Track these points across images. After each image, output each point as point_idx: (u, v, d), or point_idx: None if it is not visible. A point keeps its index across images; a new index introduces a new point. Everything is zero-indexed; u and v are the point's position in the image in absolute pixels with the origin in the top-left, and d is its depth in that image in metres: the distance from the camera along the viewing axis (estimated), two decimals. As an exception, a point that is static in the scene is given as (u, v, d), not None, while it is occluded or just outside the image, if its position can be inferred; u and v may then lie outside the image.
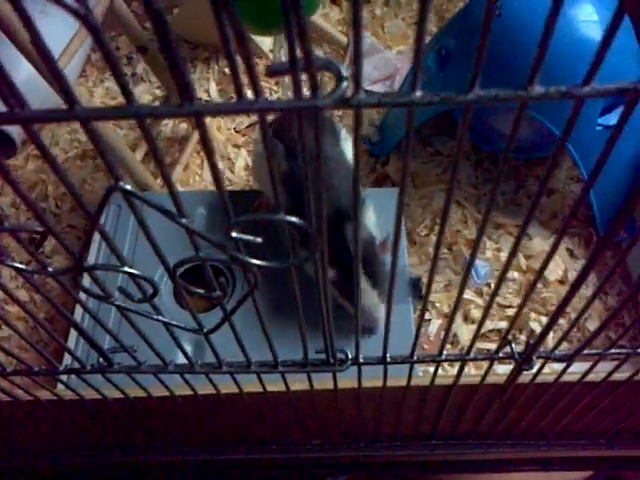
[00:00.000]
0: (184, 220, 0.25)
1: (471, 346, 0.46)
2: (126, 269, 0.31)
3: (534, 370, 0.49)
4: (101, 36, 0.17)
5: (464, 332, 0.96)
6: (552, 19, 0.18)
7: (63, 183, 0.24)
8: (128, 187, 0.23)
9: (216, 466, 0.82)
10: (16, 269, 0.31)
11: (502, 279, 0.39)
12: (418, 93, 0.20)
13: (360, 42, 0.18)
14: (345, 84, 0.19)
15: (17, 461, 0.74)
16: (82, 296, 0.92)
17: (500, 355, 0.47)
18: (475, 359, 0.47)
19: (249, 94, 0.19)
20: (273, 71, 0.19)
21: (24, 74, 0.92)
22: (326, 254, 0.30)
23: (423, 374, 0.87)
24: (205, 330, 0.39)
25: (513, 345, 0.46)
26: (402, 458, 0.77)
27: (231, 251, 0.28)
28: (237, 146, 1.25)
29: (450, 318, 0.43)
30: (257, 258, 0.29)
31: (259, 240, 0.27)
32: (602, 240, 0.32)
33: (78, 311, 0.88)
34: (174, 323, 0.38)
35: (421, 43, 0.18)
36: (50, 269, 0.31)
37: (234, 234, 0.26)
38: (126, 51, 1.45)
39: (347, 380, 0.54)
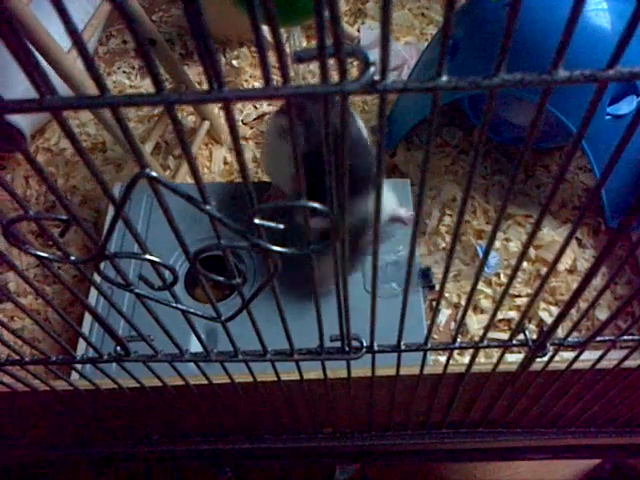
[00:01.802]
0: (208, 207, 0.26)
1: (484, 334, 0.47)
2: (147, 257, 0.31)
3: (545, 358, 0.50)
4: (136, 25, 0.17)
5: (473, 322, 0.97)
6: (577, 6, 0.18)
7: (90, 171, 0.24)
8: (154, 174, 0.23)
9: (227, 455, 0.82)
10: (39, 257, 0.32)
11: (515, 273, 0.39)
12: (444, 78, 0.20)
13: (388, 29, 0.18)
14: (372, 70, 0.19)
15: (25, 452, 0.75)
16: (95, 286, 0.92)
17: (514, 342, 0.47)
18: (489, 346, 0.47)
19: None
20: (300, 57, 0.20)
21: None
22: (347, 239, 0.30)
23: (433, 363, 0.87)
24: (223, 318, 0.39)
25: (527, 332, 0.46)
26: (413, 447, 0.77)
27: (253, 238, 0.28)
28: (245, 138, 1.25)
29: (465, 308, 0.43)
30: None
31: (281, 226, 0.27)
32: (614, 234, 0.32)
33: (90, 301, 0.89)
34: (192, 311, 0.39)
35: (448, 30, 0.18)
36: (72, 257, 0.32)
37: (257, 221, 0.27)
38: (134, 44, 1.45)
39: (360, 369, 0.54)
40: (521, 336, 0.47)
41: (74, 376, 0.80)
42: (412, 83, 0.20)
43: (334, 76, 0.20)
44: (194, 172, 0.24)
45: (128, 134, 0.21)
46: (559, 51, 0.20)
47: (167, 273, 0.34)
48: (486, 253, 0.38)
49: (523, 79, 0.20)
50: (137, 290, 0.36)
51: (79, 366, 0.51)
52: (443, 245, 1.05)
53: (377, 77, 0.20)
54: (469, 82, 0.20)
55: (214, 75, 0.19)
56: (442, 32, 0.18)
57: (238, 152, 0.22)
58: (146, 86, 1.37)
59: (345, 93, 0.19)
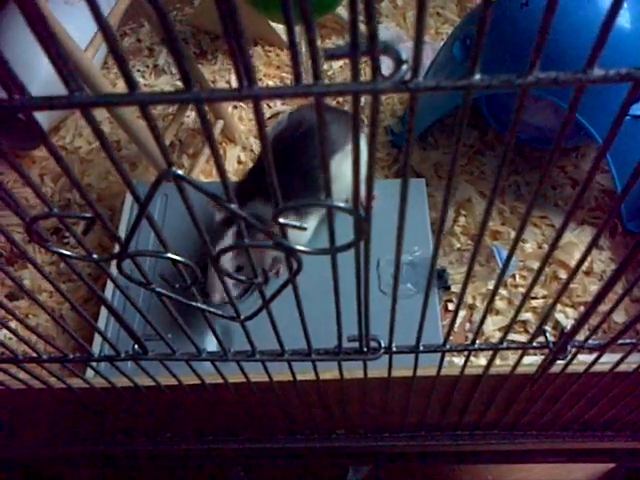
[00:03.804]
0: (232, 205, 0.26)
1: (504, 336, 0.46)
2: (169, 255, 0.31)
3: (564, 361, 0.49)
4: (168, 19, 0.17)
5: (489, 323, 0.96)
6: (615, 8, 0.18)
7: (115, 166, 0.24)
8: (180, 172, 0.23)
9: (240, 454, 0.82)
10: (62, 255, 0.32)
11: (535, 281, 0.39)
12: (477, 76, 0.20)
13: (423, 28, 0.18)
14: (405, 68, 0.19)
15: (38, 449, 0.75)
16: (110, 284, 0.92)
17: (534, 344, 0.46)
18: (508, 348, 0.47)
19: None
20: (332, 55, 0.19)
21: (48, 66, 0.93)
22: (370, 244, 0.30)
23: (448, 364, 0.87)
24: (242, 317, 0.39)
25: (547, 335, 0.46)
26: (426, 448, 0.77)
27: (276, 236, 0.28)
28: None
29: (484, 312, 0.43)
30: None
31: (305, 226, 0.27)
32: (636, 244, 0.32)
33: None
34: (212, 310, 0.39)
35: (484, 29, 0.18)
36: (95, 256, 0.32)
37: (281, 220, 0.26)
38: (148, 42, 1.46)
39: (376, 370, 0.54)
40: (541, 338, 0.47)
41: (88, 374, 0.80)
42: (444, 82, 0.20)
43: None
44: (220, 168, 0.24)
45: (156, 131, 0.21)
46: (595, 49, 0.19)
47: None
48: (507, 260, 0.37)
49: (557, 78, 0.20)
50: (158, 288, 0.36)
51: (94, 364, 0.52)
52: (458, 246, 1.05)
53: (408, 76, 0.20)
54: (502, 81, 0.20)
55: (245, 72, 0.19)
56: (477, 30, 0.18)
57: (265, 149, 0.22)
58: (161, 85, 1.37)
59: (377, 92, 0.19)
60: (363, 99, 0.22)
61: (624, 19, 0.86)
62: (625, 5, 0.86)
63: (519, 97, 0.21)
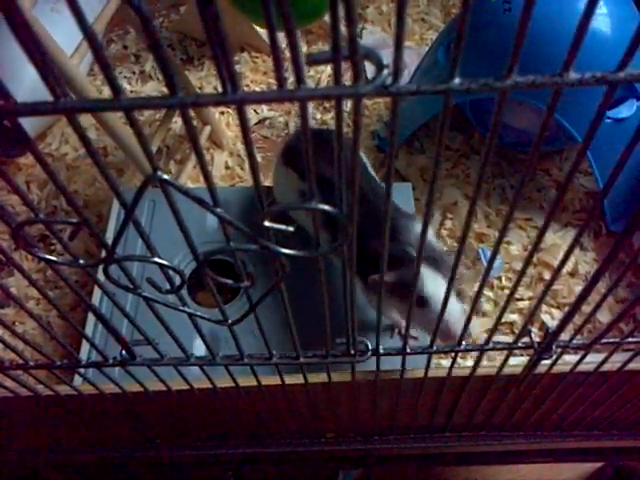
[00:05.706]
0: (219, 210, 0.26)
1: (490, 337, 0.47)
2: (156, 260, 0.31)
3: (549, 361, 0.50)
4: (151, 25, 0.17)
5: (475, 325, 0.97)
6: (589, 12, 0.19)
7: (101, 171, 0.24)
8: (166, 176, 0.24)
9: (230, 460, 0.82)
10: (48, 261, 0.32)
11: (518, 282, 0.39)
12: (456, 80, 0.20)
13: (403, 32, 0.18)
14: (386, 72, 0.19)
15: (27, 456, 0.75)
16: (97, 290, 0.91)
17: (519, 345, 0.47)
18: (494, 349, 0.47)
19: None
20: (314, 60, 0.20)
21: (34, 73, 0.93)
22: (354, 246, 0.30)
23: (435, 367, 0.87)
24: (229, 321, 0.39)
25: (532, 335, 0.46)
26: (415, 451, 0.77)
27: (262, 240, 0.28)
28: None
29: (470, 313, 0.43)
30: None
31: (291, 229, 0.27)
32: (617, 243, 0.33)
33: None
34: (199, 314, 0.39)
35: (463, 33, 0.19)
36: (81, 261, 0.32)
37: (267, 223, 0.27)
38: (134, 49, 1.45)
39: (364, 372, 0.54)
40: (526, 338, 0.47)
41: (76, 381, 0.80)
42: (425, 85, 0.20)
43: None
44: (205, 173, 0.24)
45: (142, 137, 0.22)
46: (570, 53, 0.20)
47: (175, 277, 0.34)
48: (490, 261, 0.38)
49: (535, 81, 0.20)
50: (145, 293, 0.36)
51: (82, 370, 0.51)
52: (445, 249, 1.05)
53: (390, 80, 0.20)
54: (481, 84, 0.20)
55: (229, 77, 0.19)
56: (456, 35, 0.19)
57: (250, 154, 0.23)
58: (147, 91, 1.37)
59: (359, 96, 0.20)
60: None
61: (604, 24, 0.87)
62: (605, 11, 0.88)
63: (498, 100, 0.22)
